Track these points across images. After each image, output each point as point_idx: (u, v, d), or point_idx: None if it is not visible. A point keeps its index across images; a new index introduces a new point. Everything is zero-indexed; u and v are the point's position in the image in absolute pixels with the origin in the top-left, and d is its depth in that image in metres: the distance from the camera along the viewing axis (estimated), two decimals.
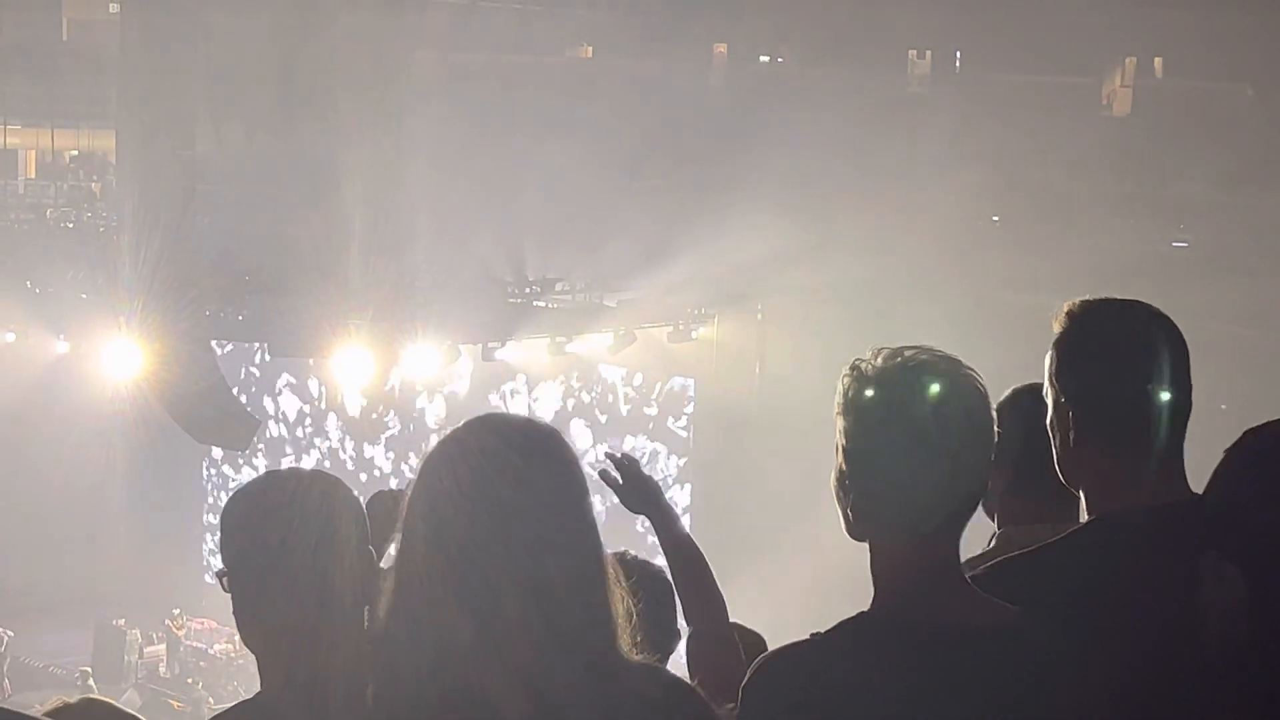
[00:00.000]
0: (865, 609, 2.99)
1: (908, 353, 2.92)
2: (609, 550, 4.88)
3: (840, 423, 2.95)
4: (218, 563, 3.21)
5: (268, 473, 3.26)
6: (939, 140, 24.42)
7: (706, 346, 27.37)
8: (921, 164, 24.20)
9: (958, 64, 30.40)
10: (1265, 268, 22.19)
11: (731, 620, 4.85)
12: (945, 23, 27.39)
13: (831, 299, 24.65)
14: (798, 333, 26.36)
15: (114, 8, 29.04)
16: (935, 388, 2.89)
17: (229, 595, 3.21)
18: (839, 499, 3.00)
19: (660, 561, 4.54)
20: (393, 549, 4.40)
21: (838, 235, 23.34)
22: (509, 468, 2.76)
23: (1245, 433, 3.52)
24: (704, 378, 27.35)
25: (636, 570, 4.83)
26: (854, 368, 2.94)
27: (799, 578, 20.85)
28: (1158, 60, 30.57)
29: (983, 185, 24.66)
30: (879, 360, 2.92)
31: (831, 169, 23.15)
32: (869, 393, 2.91)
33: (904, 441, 2.90)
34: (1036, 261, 23.41)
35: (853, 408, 2.93)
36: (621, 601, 2.82)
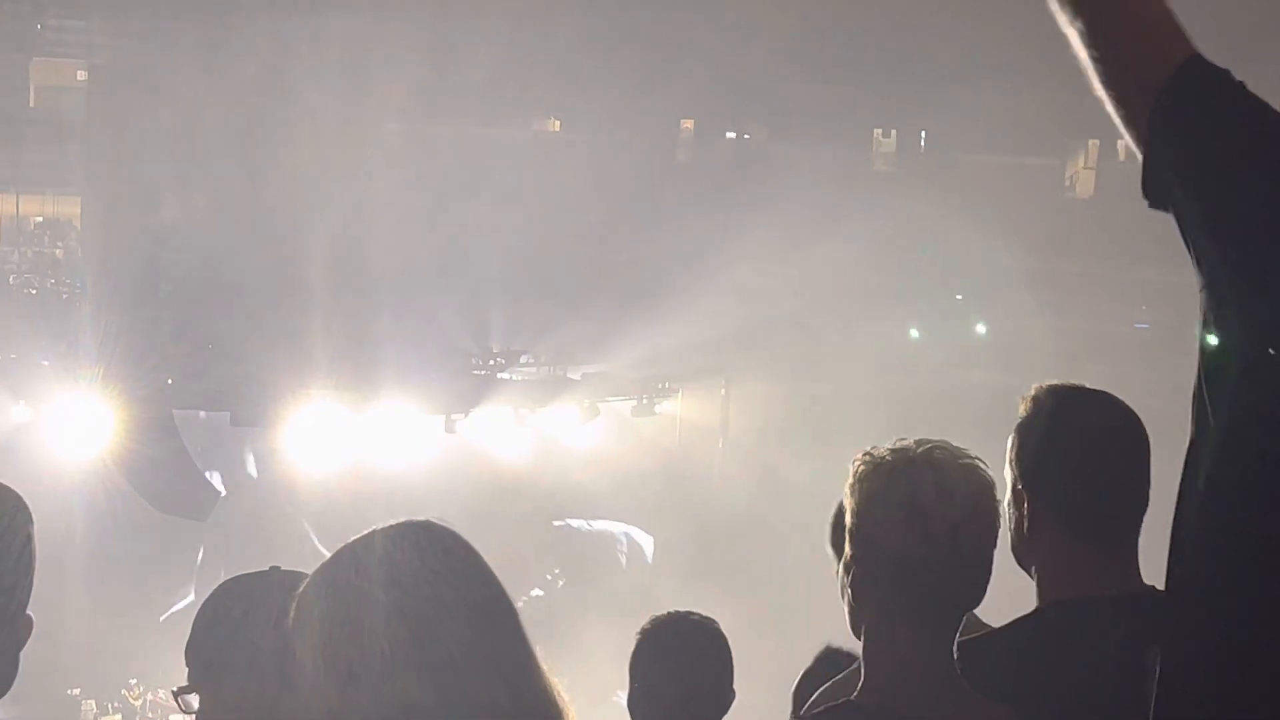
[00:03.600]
0: (850, 697, 2.97)
1: (917, 441, 2.98)
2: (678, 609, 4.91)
3: (849, 503, 2.98)
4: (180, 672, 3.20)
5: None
6: (902, 218, 24.52)
7: (670, 421, 27.34)
8: (885, 242, 24.29)
9: (922, 143, 30.57)
10: None
11: None
12: (910, 102, 27.54)
13: (795, 376, 24.67)
14: (761, 409, 26.38)
15: (81, 75, 29.03)
16: (940, 473, 2.92)
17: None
18: (842, 583, 3.01)
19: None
20: None
21: (802, 312, 23.38)
22: (462, 540, 2.75)
23: None
24: (667, 452, 27.29)
25: (696, 630, 4.86)
26: (866, 453, 2.99)
27: (764, 654, 20.75)
28: (1120, 142, 30.73)
29: (946, 263, 24.75)
30: (890, 446, 2.98)
31: (797, 245, 23.21)
32: (876, 474, 2.95)
33: (906, 522, 2.91)
34: (998, 340, 23.49)
35: (859, 488, 2.96)
36: None
